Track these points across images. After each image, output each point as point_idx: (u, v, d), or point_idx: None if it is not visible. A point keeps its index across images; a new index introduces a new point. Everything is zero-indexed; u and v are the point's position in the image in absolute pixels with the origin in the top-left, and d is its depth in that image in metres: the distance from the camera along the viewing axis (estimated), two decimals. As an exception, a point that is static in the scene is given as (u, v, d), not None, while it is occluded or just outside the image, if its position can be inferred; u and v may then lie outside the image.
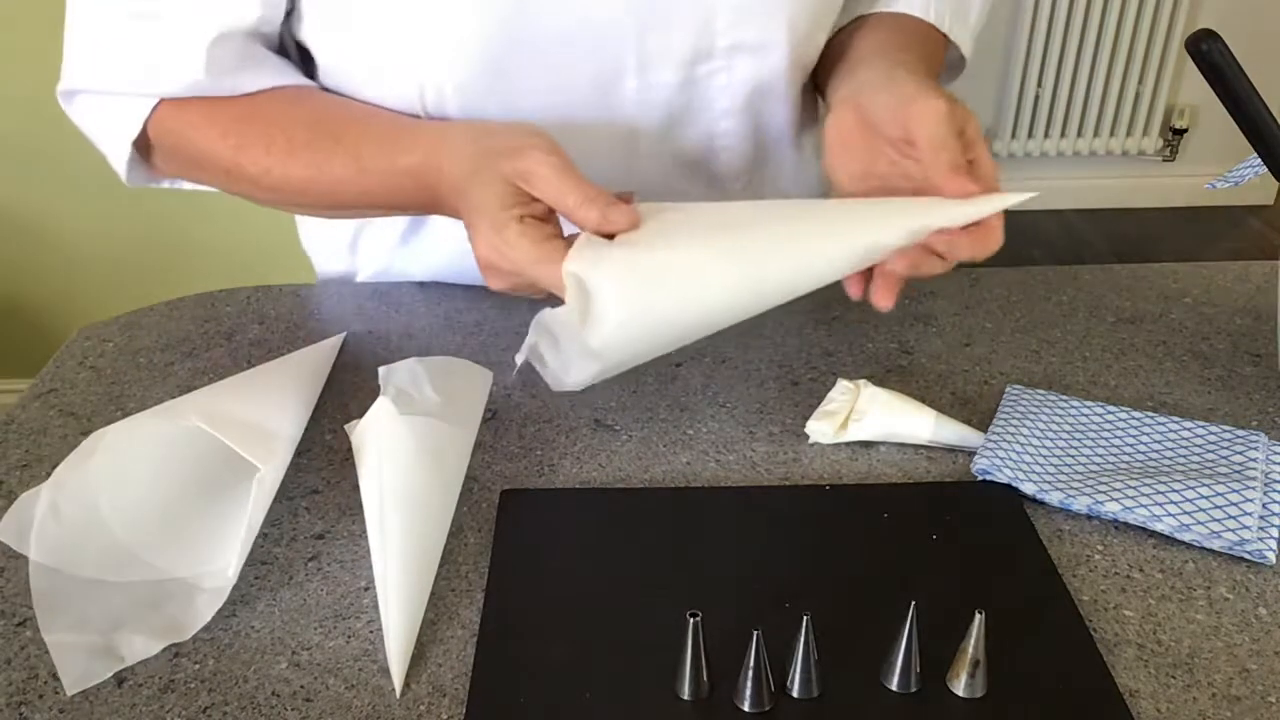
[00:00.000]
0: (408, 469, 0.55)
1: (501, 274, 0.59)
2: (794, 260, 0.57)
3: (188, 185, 0.76)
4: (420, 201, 0.66)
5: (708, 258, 0.56)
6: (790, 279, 0.57)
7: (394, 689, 0.48)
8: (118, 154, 0.71)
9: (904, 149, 0.60)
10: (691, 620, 0.45)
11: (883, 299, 0.58)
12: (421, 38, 0.68)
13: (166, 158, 0.72)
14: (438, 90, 0.69)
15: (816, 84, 0.80)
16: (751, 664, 0.45)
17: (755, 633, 0.45)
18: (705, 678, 0.46)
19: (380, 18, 0.68)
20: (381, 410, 0.56)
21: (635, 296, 0.55)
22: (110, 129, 0.71)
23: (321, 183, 0.68)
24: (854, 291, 0.60)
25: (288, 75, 0.71)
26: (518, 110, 0.70)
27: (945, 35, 0.77)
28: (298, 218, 0.90)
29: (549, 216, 0.59)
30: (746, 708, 0.46)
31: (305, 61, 0.76)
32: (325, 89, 0.74)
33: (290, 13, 0.72)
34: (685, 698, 0.46)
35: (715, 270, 0.56)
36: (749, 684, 0.45)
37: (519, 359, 0.59)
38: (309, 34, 0.73)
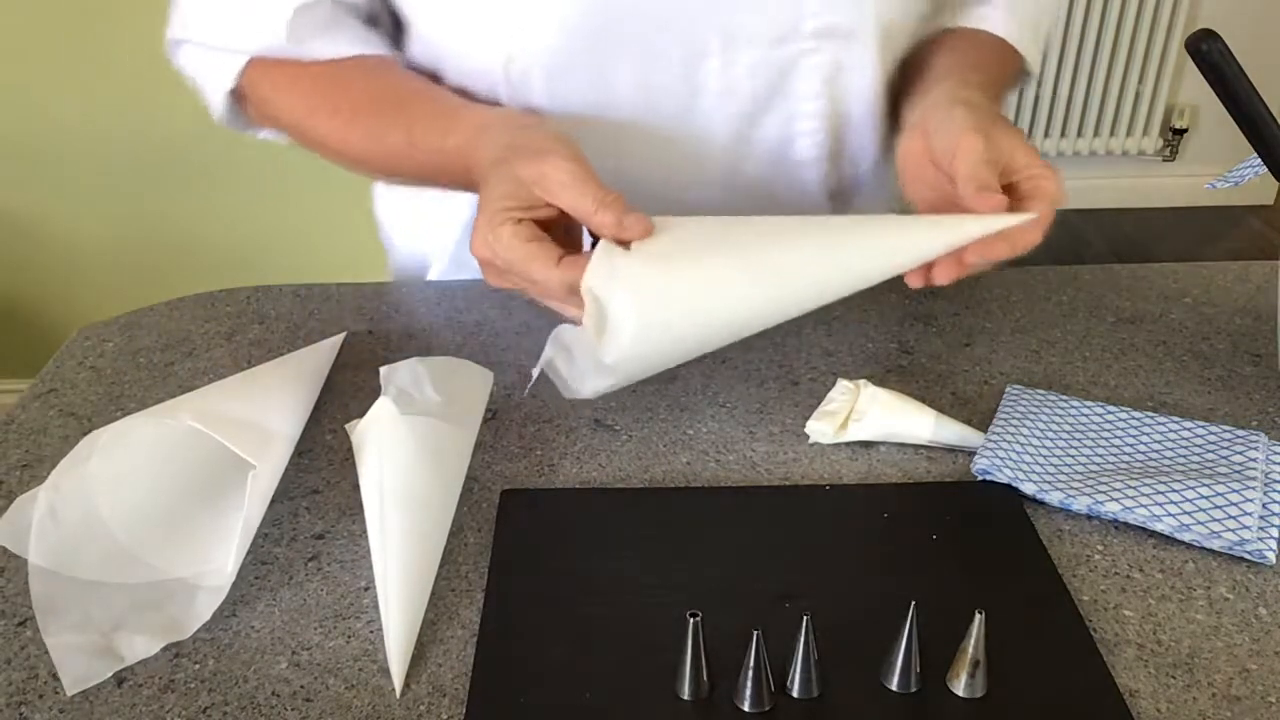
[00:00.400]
0: (408, 469, 0.55)
1: (495, 270, 0.59)
2: (809, 275, 0.58)
3: (284, 140, 0.80)
4: (463, 182, 0.67)
5: (724, 271, 0.56)
6: (806, 293, 0.58)
7: (394, 689, 0.48)
8: (215, 103, 0.76)
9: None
10: (691, 620, 0.45)
11: (943, 275, 0.59)
12: (510, 6, 0.69)
13: (255, 110, 0.77)
14: (524, 65, 0.70)
15: (894, 95, 0.81)
16: (751, 664, 0.45)
17: (755, 633, 0.45)
18: (705, 678, 0.46)
19: None
20: (382, 410, 0.56)
21: (651, 312, 0.55)
22: (209, 79, 0.75)
23: (377, 152, 0.72)
24: (914, 281, 0.60)
25: (369, 46, 0.74)
26: (603, 85, 0.71)
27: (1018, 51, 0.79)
28: (376, 197, 0.94)
29: (556, 223, 0.59)
30: (746, 708, 0.46)
31: (401, 31, 0.78)
32: (411, 61, 0.77)
33: None
34: (685, 698, 0.46)
35: (731, 284, 0.56)
36: (749, 684, 0.45)
37: (535, 372, 0.60)
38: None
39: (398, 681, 0.48)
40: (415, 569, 0.52)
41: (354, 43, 0.73)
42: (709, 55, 0.71)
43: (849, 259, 0.58)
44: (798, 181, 0.80)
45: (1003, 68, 0.78)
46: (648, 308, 0.55)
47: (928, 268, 0.59)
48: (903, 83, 0.78)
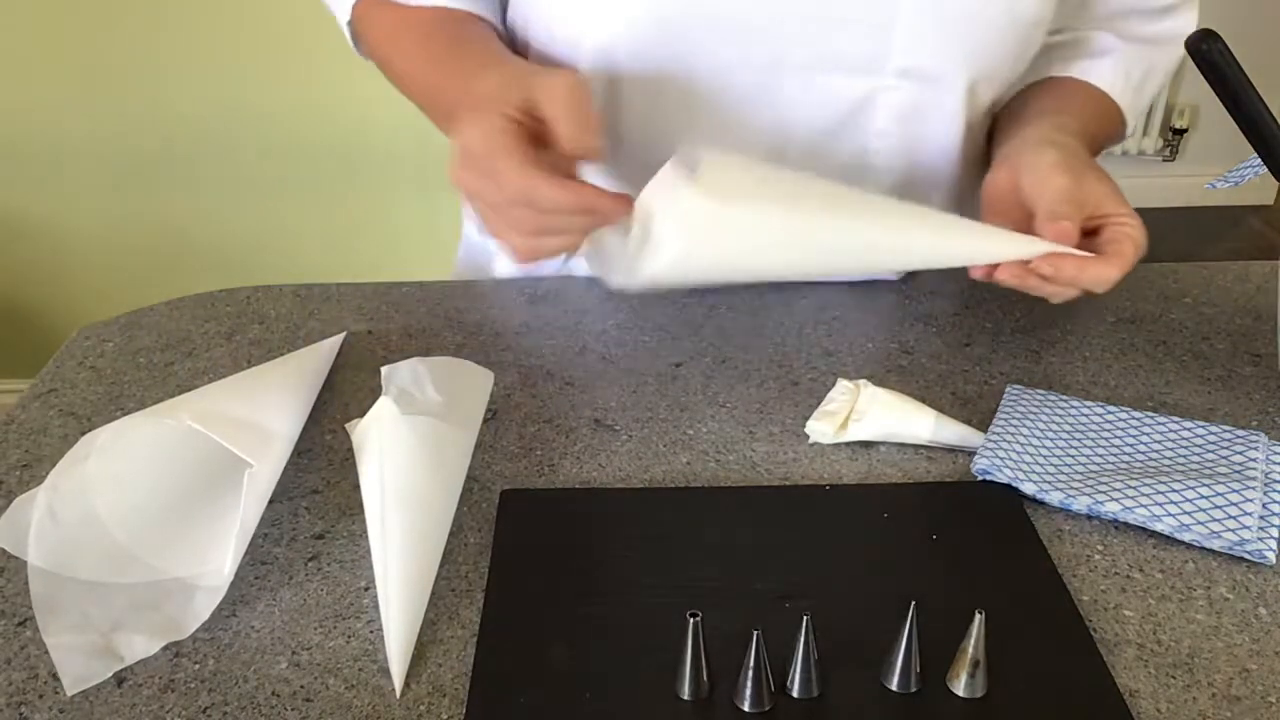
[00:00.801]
0: (409, 469, 0.55)
1: (461, 158, 0.59)
2: (858, 248, 0.60)
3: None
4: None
5: (773, 226, 0.58)
6: (840, 262, 0.61)
7: (394, 689, 0.48)
8: (342, 29, 0.81)
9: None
10: (691, 620, 0.45)
11: (1005, 275, 0.61)
12: None
13: (364, 40, 0.81)
14: (608, 43, 0.71)
15: (988, 138, 0.81)
16: (751, 664, 0.45)
17: (755, 633, 0.45)
18: (705, 678, 0.46)
19: None
20: (383, 410, 0.56)
21: (694, 247, 0.57)
22: (335, 9, 0.80)
23: (419, 88, 0.75)
24: (977, 273, 0.62)
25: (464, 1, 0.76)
26: (684, 75, 0.72)
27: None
28: None
29: (546, 141, 0.59)
30: (746, 708, 0.46)
31: None
32: (509, 22, 0.79)
33: None
34: (685, 698, 0.46)
35: (779, 240, 0.58)
36: (749, 684, 0.45)
37: (569, 259, 0.61)
38: None
39: (398, 681, 0.48)
40: (415, 569, 0.52)
41: None
42: (792, 68, 0.71)
43: (901, 245, 0.60)
44: None
45: (1101, 120, 0.78)
46: (693, 244, 0.57)
47: (992, 265, 0.60)
48: (997, 124, 0.78)
